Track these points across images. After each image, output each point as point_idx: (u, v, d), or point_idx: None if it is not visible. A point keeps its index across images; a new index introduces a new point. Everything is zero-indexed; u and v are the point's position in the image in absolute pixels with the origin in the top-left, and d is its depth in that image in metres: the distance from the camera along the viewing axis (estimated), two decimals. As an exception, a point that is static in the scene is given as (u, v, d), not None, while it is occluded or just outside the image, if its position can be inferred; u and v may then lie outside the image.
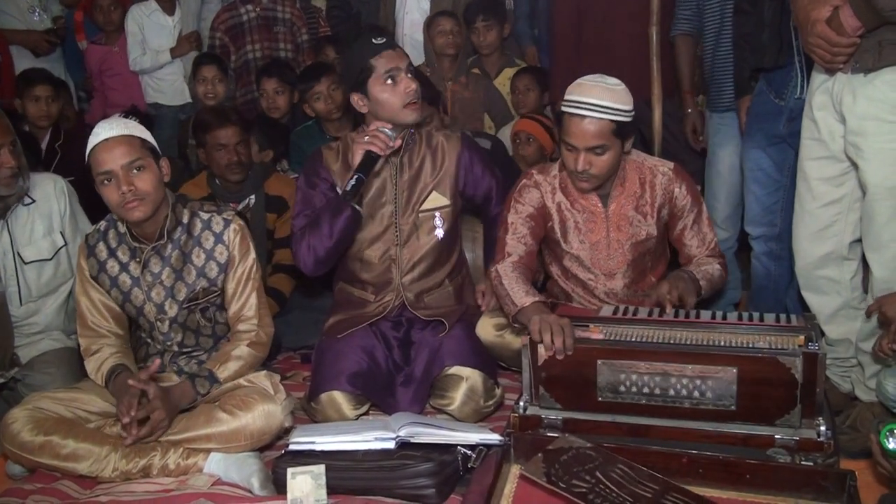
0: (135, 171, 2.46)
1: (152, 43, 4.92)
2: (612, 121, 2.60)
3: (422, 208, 2.86)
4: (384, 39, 2.73)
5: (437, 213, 2.87)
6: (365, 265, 2.91)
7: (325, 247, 2.75)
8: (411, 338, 2.93)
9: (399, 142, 2.74)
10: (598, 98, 2.60)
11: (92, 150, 2.46)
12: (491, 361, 2.87)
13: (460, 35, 4.41)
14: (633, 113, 2.63)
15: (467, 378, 2.70)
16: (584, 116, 2.61)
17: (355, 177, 2.61)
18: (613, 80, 2.65)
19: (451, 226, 2.92)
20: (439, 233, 2.86)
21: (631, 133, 2.68)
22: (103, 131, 2.46)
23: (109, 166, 2.44)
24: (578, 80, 2.68)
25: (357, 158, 2.65)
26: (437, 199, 2.88)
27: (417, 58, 4.51)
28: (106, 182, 2.46)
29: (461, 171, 2.90)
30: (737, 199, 3.46)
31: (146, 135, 2.54)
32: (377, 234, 2.87)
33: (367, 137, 2.67)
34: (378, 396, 2.78)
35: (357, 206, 2.73)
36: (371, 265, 2.90)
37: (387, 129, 2.69)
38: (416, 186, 2.87)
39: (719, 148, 3.44)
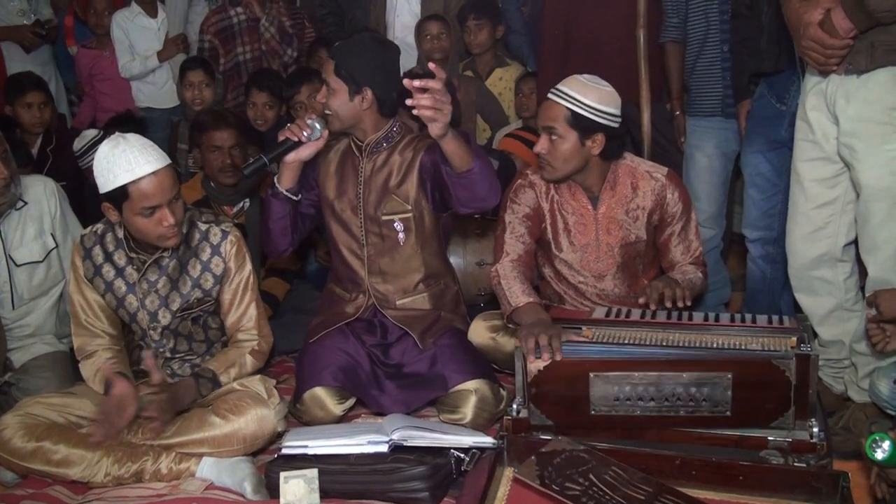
0: (174, 201, 2.46)
1: (139, 47, 4.89)
2: (567, 108, 2.65)
3: (384, 212, 2.85)
4: (333, 48, 2.80)
5: (397, 219, 2.85)
6: (340, 260, 2.93)
7: (269, 230, 2.83)
8: (388, 340, 2.92)
9: (326, 133, 2.73)
10: (565, 85, 2.69)
11: (135, 181, 2.39)
12: (488, 364, 2.87)
13: (448, 39, 4.42)
14: (599, 112, 2.65)
15: (476, 390, 2.69)
16: (548, 98, 2.72)
17: (257, 156, 2.66)
18: (596, 80, 2.70)
19: (419, 234, 2.88)
20: (401, 238, 2.84)
21: (594, 132, 2.68)
22: (146, 162, 2.39)
23: (159, 200, 2.41)
24: None
25: (279, 141, 2.70)
26: (398, 206, 2.84)
27: (409, 61, 4.51)
28: (147, 214, 2.43)
29: (424, 176, 2.84)
30: (721, 200, 3.47)
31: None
32: (347, 231, 2.89)
33: (289, 125, 2.72)
34: (361, 390, 2.78)
35: (286, 192, 2.75)
36: (344, 261, 2.92)
37: (314, 121, 2.70)
38: (379, 189, 2.85)
39: (695, 150, 3.46)
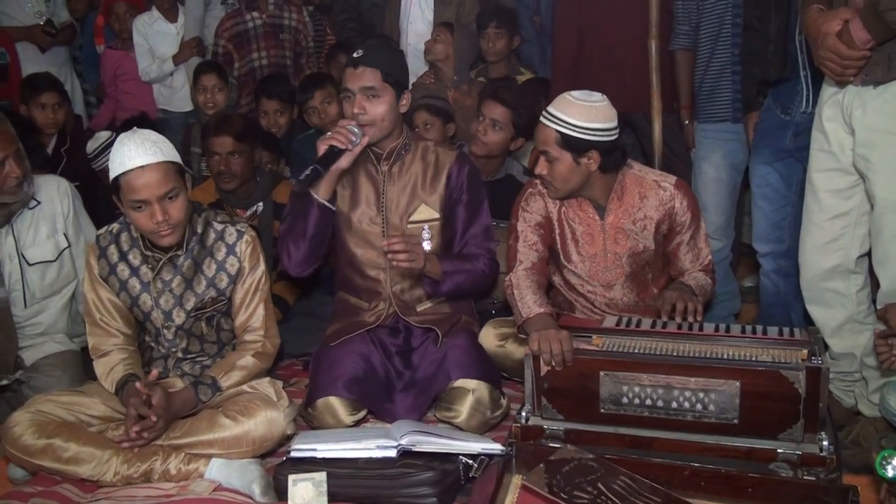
0: (169, 199, 2.45)
1: (158, 51, 4.95)
2: (556, 131, 2.64)
3: (410, 219, 2.86)
4: (358, 54, 2.74)
5: (426, 226, 2.86)
6: (357, 272, 2.92)
7: (301, 245, 2.79)
8: (411, 344, 2.93)
9: (366, 139, 2.73)
10: (553, 107, 2.69)
11: (124, 173, 2.41)
12: (496, 371, 2.87)
13: (451, 45, 4.47)
14: (588, 130, 2.63)
15: (474, 390, 2.69)
16: (540, 122, 2.71)
17: (311, 167, 2.63)
18: (587, 95, 2.68)
19: (443, 239, 2.90)
20: (426, 245, 2.84)
21: (587, 150, 2.66)
22: (137, 155, 2.40)
23: (144, 196, 2.42)
24: None
25: (320, 152, 2.68)
26: (426, 212, 2.87)
27: (422, 67, 4.54)
28: (138, 208, 2.44)
29: (449, 186, 2.89)
30: (729, 210, 3.46)
31: (175, 154, 2.50)
32: (366, 242, 2.88)
33: (330, 133, 2.71)
34: (375, 403, 2.77)
35: (327, 203, 2.75)
36: (362, 273, 2.91)
37: (353, 127, 2.70)
38: (405, 197, 2.86)
39: (703, 161, 3.45)
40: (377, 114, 2.74)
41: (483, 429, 2.70)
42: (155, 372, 2.47)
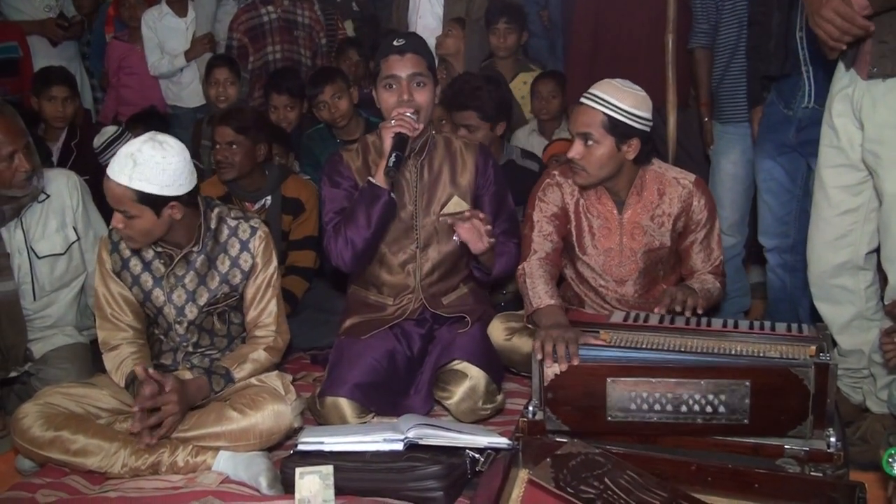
0: (126, 216, 2.44)
1: (167, 46, 4.95)
2: (604, 113, 2.63)
3: (443, 212, 2.86)
4: (401, 42, 2.74)
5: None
6: (385, 267, 2.92)
7: (364, 237, 2.73)
8: (433, 334, 2.94)
9: (422, 125, 2.74)
10: (600, 90, 2.66)
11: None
12: (499, 366, 2.88)
13: (463, 41, 4.50)
14: (635, 116, 2.63)
15: (472, 377, 2.71)
16: (582, 103, 2.68)
17: (394, 154, 2.61)
18: (628, 83, 2.69)
19: None
20: (456, 238, 2.84)
21: (630, 137, 2.66)
22: (114, 165, 2.40)
23: (109, 200, 2.45)
24: None
25: (387, 142, 2.65)
26: (458, 205, 2.87)
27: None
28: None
29: (478, 178, 2.91)
30: (744, 207, 3.46)
31: (155, 186, 2.39)
32: (397, 237, 2.88)
33: (393, 121, 2.68)
34: (385, 406, 2.77)
35: (391, 193, 2.72)
36: (391, 268, 2.91)
37: (410, 114, 2.69)
38: (436, 190, 2.88)
39: (721, 157, 3.45)
40: (424, 101, 2.74)
41: (471, 417, 2.72)
42: (139, 368, 2.45)
